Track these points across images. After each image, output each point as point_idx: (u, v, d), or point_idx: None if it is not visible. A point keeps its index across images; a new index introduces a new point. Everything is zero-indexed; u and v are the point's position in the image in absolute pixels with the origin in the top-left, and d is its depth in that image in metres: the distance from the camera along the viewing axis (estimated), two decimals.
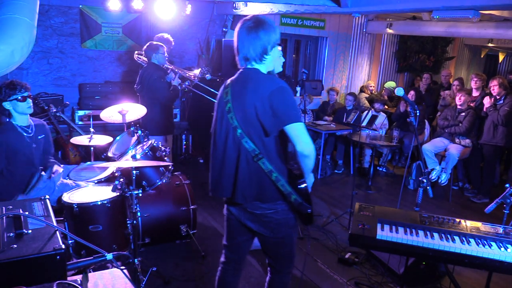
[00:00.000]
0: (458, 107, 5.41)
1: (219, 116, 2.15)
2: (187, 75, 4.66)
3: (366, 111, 6.23)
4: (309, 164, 2.06)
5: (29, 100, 3.03)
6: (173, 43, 5.03)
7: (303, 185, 2.08)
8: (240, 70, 2.14)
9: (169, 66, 4.50)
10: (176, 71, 4.55)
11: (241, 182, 2.08)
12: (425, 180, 2.68)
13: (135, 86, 4.45)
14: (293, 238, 2.25)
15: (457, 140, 5.37)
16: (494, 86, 5.12)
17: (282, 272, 2.31)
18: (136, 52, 4.90)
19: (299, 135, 1.98)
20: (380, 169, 6.47)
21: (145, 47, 4.39)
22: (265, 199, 2.08)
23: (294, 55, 8.04)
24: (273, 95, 1.96)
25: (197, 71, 4.78)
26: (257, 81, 2.02)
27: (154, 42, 4.42)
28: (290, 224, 2.18)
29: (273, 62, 2.13)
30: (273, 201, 2.09)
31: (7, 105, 2.94)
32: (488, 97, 5.24)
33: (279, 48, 2.14)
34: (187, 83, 4.71)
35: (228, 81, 2.17)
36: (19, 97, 2.94)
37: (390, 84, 7.95)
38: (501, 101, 5.10)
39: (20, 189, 3.03)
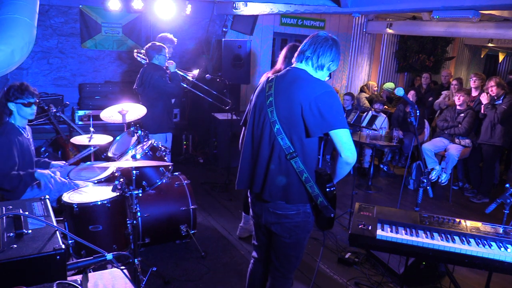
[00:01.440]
0: (458, 107, 5.41)
1: (258, 108, 2.14)
2: (187, 76, 4.66)
3: (366, 112, 6.23)
4: (347, 171, 2.08)
5: (34, 107, 3.10)
6: (175, 43, 5.03)
7: (332, 189, 2.07)
8: (289, 68, 2.15)
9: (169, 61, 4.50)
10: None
11: (270, 179, 2.08)
12: (425, 180, 2.69)
13: (134, 87, 4.45)
14: (305, 243, 2.25)
15: (456, 140, 5.37)
16: (492, 87, 5.12)
17: (285, 277, 2.30)
18: (135, 50, 4.89)
19: (346, 142, 1.98)
20: (382, 166, 6.46)
21: (147, 46, 4.36)
22: (290, 200, 2.08)
23: None
24: (321, 97, 1.96)
25: (196, 72, 4.78)
26: (307, 81, 2.03)
27: (157, 43, 4.39)
28: (308, 228, 2.19)
29: None
30: (297, 202, 2.09)
31: (11, 105, 3.00)
32: (484, 93, 5.22)
33: (327, 78, 2.19)
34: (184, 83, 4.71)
35: (272, 76, 2.17)
36: (25, 102, 3.02)
37: (389, 85, 7.95)
38: (500, 101, 5.10)
39: (23, 193, 3.05)
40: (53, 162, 3.40)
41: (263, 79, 3.22)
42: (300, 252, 2.27)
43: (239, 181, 2.25)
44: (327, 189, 2.06)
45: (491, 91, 5.14)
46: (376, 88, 8.06)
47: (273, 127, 2.04)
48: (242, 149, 2.26)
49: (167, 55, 4.41)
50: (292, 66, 2.16)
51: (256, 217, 2.31)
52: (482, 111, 5.28)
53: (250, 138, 2.19)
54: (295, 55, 2.16)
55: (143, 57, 4.68)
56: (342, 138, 1.98)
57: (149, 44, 4.37)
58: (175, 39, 5.00)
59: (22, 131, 3.09)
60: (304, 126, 2.01)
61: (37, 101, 3.11)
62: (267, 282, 2.38)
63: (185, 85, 4.81)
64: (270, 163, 2.08)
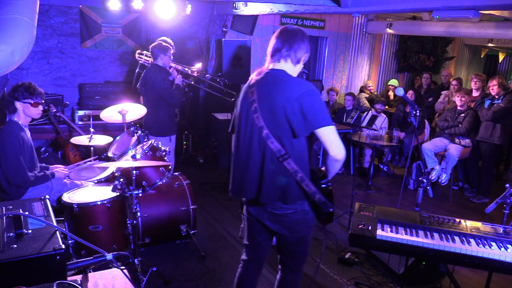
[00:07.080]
0: (458, 108, 5.41)
1: (244, 116, 2.15)
2: (190, 71, 4.65)
3: (366, 112, 6.23)
4: (338, 167, 2.10)
5: (41, 107, 3.12)
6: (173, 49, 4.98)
7: (327, 185, 2.10)
8: (267, 70, 2.14)
9: (172, 65, 4.47)
10: (179, 68, 4.53)
11: (266, 183, 2.09)
12: (425, 180, 2.68)
13: (137, 86, 4.41)
14: (309, 238, 2.27)
15: (457, 140, 5.37)
16: (494, 86, 5.13)
17: (295, 271, 2.32)
18: (137, 51, 4.88)
19: (332, 140, 1.99)
20: (382, 166, 6.46)
21: (153, 44, 4.31)
22: (288, 200, 2.09)
23: None
24: (303, 97, 1.96)
25: (199, 65, 4.75)
26: (287, 82, 2.03)
27: (164, 43, 4.33)
28: (309, 224, 2.20)
29: (295, 74, 2.16)
30: (294, 201, 2.10)
31: (18, 104, 3.01)
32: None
33: (302, 68, 2.21)
34: (189, 80, 4.68)
35: (253, 80, 2.17)
36: (33, 102, 3.04)
37: (393, 82, 7.98)
38: (499, 101, 5.11)
39: (23, 193, 3.06)
40: (51, 167, 3.40)
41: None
42: (306, 247, 2.28)
43: (234, 190, 2.24)
44: (323, 185, 2.08)
45: (492, 89, 5.15)
46: (371, 87, 8.05)
47: (261, 133, 2.05)
48: (233, 157, 2.25)
49: (171, 56, 4.37)
50: (270, 68, 2.14)
51: (251, 217, 2.31)
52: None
53: (239, 145, 2.19)
54: (270, 55, 2.15)
55: (146, 58, 4.66)
56: (328, 136, 1.99)
57: (156, 43, 4.30)
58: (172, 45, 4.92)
59: (26, 130, 3.11)
60: (290, 128, 2.01)
61: (43, 101, 3.15)
62: (277, 275, 2.39)
63: (192, 82, 4.79)
64: (264, 168, 2.08)
